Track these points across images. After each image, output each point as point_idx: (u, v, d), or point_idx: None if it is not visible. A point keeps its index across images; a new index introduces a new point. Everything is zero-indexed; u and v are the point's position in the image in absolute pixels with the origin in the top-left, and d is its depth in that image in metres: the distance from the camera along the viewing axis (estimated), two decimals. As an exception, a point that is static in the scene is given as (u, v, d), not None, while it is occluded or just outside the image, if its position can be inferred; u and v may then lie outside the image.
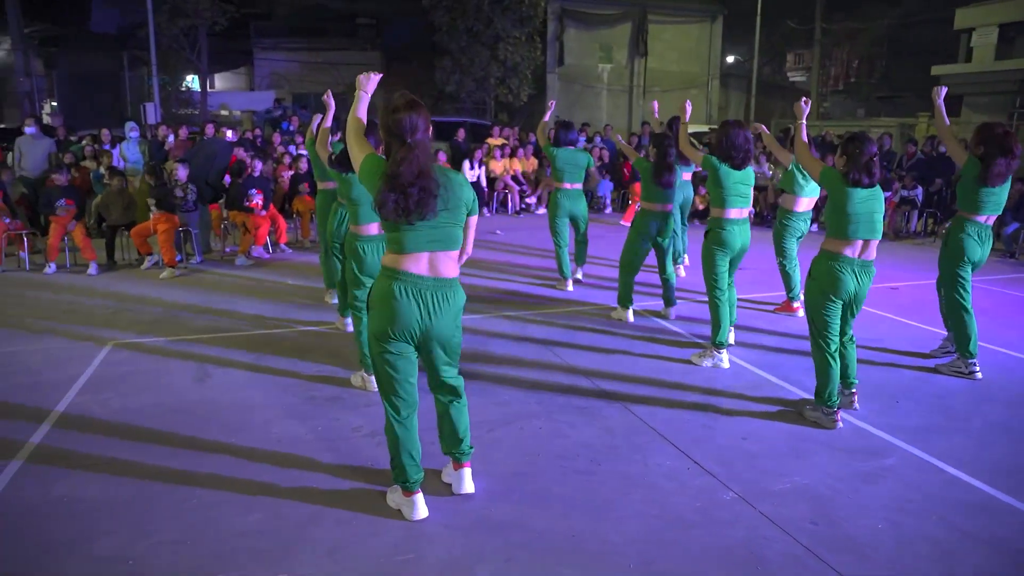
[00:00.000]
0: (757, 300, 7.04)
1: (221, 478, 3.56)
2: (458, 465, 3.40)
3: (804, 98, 4.87)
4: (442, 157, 12.72)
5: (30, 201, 9.68)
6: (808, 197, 6.42)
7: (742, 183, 5.09)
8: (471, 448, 3.40)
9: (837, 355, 4.20)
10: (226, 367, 5.12)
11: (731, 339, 5.49)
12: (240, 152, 9.41)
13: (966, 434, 4.15)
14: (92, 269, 8.08)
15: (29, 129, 10.52)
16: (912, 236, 11.39)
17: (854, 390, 4.41)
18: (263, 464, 3.70)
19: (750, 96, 25.29)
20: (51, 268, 8.10)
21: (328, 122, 5.08)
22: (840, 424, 4.16)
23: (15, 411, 4.37)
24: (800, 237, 6.53)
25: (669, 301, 6.43)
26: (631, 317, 6.28)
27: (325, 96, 5.23)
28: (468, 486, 3.38)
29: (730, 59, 30.28)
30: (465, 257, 3.25)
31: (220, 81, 29.31)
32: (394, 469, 3.21)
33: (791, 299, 6.60)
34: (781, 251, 6.52)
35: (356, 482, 3.53)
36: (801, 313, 6.47)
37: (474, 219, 3.22)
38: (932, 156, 12.04)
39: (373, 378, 4.63)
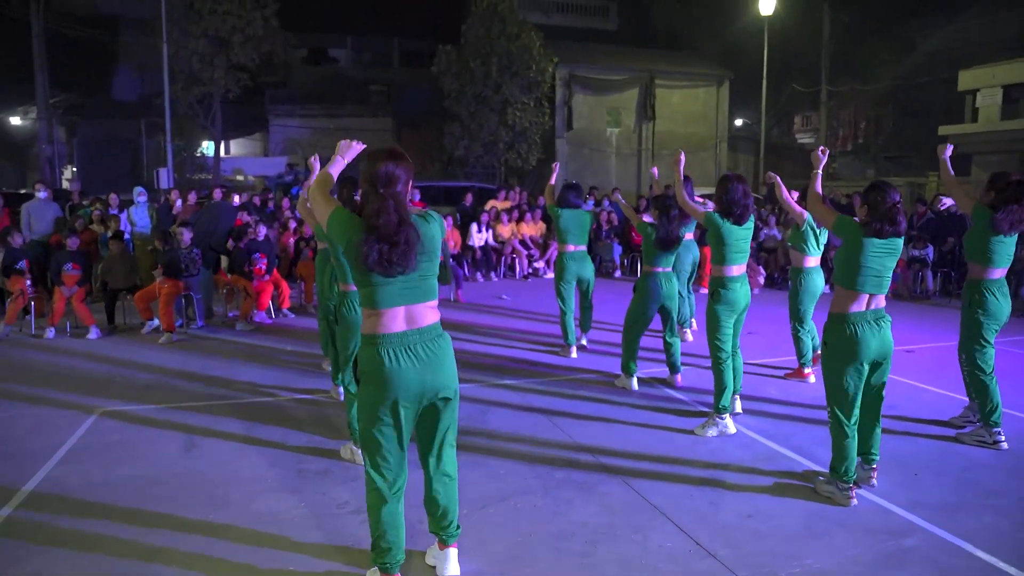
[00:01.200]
0: (768, 365, 6.81)
1: (195, 557, 3.36)
2: (443, 545, 3.18)
3: (822, 147, 4.75)
4: (449, 221, 12.70)
5: (39, 264, 9.67)
6: (815, 256, 6.26)
7: (743, 239, 4.99)
8: (459, 529, 3.19)
9: (856, 427, 3.96)
10: (215, 437, 4.94)
11: (737, 407, 5.27)
12: (244, 216, 9.40)
13: (996, 511, 3.87)
14: (93, 333, 8.00)
15: (41, 194, 10.60)
16: (927, 296, 11.15)
17: (874, 465, 4.15)
18: (241, 543, 3.49)
19: (759, 158, 25.41)
20: (50, 333, 8.03)
21: (311, 181, 4.97)
22: (855, 501, 3.90)
23: (-10, 485, 4.21)
24: (816, 296, 6.31)
25: (674, 367, 6.23)
26: (635, 385, 6.08)
27: (311, 159, 5.09)
28: (453, 568, 3.15)
29: (738, 122, 30.63)
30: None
31: (236, 147, 29.87)
32: (375, 549, 3.00)
33: (803, 365, 6.38)
34: (796, 314, 6.30)
35: (336, 563, 3.31)
36: (813, 379, 6.26)
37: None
38: (943, 215, 11.89)
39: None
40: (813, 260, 6.25)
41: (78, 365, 6.88)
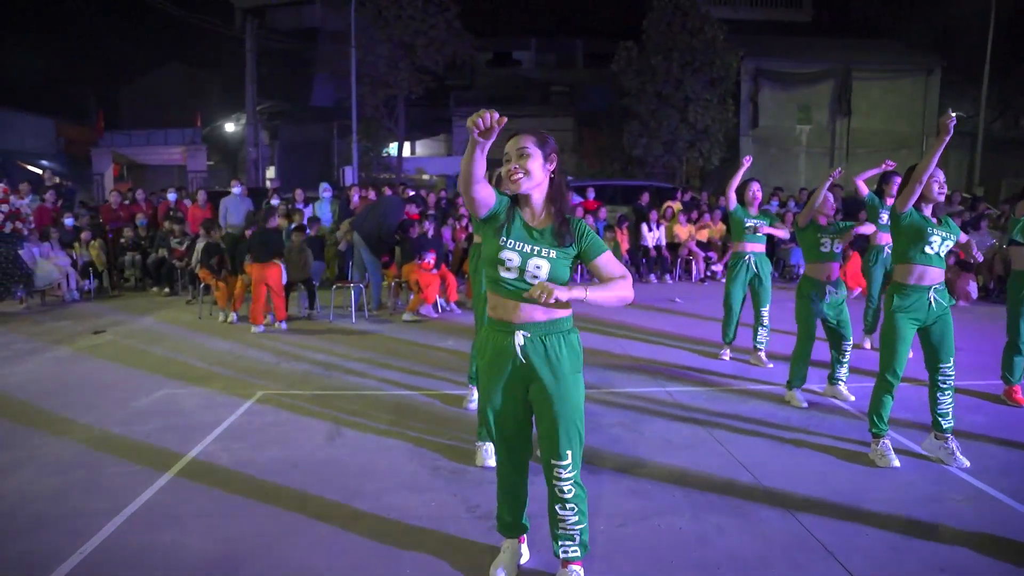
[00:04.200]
0: (979, 391, 5.83)
1: (316, 547, 3.29)
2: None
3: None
4: (624, 224, 12.34)
5: (231, 256, 10.45)
6: None
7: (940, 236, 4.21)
8: None
9: None
10: (359, 428, 4.93)
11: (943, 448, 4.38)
12: (412, 208, 9.58)
13: None
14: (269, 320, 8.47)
15: (236, 189, 11.48)
16: None
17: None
18: (367, 534, 3.40)
19: (975, 155, 22.67)
20: (234, 317, 8.59)
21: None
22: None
23: (155, 450, 4.47)
24: None
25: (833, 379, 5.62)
26: (804, 401, 5.42)
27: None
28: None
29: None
30: None
31: (421, 147, 31.14)
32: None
33: (1012, 386, 5.45)
34: (1015, 323, 5.40)
35: (447, 564, 3.10)
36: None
37: None
38: None
39: (485, 448, 4.29)
40: None
41: (249, 350, 7.26)
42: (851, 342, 5.53)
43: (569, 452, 2.74)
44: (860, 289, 9.09)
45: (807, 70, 23.40)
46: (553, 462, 2.75)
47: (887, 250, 6.94)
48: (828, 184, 5.41)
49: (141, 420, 5.09)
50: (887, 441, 4.30)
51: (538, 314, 2.69)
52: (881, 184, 6.97)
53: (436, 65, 22.14)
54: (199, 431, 4.83)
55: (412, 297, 9.00)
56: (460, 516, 3.60)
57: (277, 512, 3.64)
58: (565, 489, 2.75)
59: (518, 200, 2.74)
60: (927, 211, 4.25)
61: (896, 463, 4.19)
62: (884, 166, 6.39)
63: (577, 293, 2.47)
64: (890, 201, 6.87)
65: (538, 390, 2.75)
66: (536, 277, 2.65)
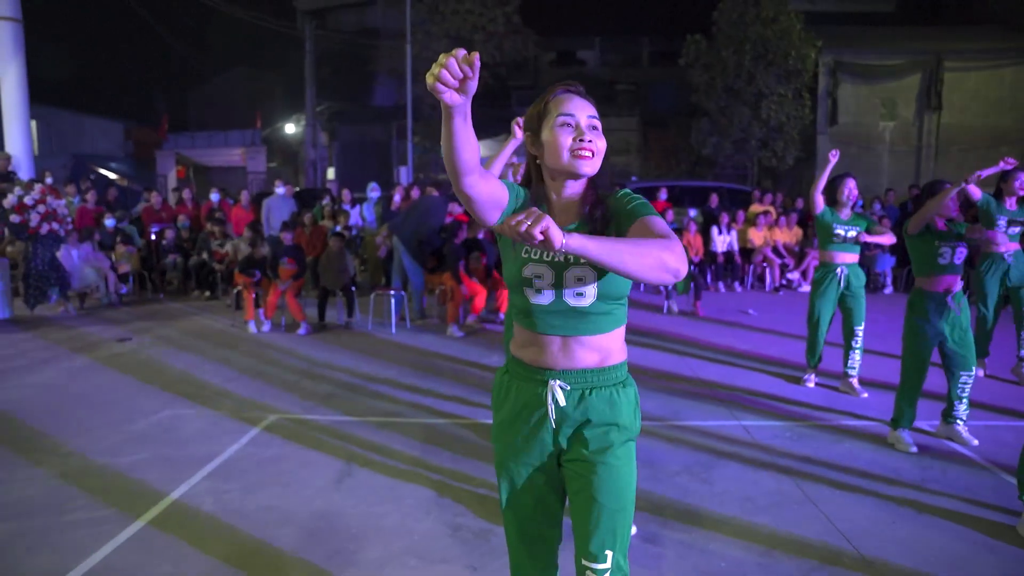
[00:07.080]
0: None
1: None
2: None
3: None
4: (692, 227, 11.26)
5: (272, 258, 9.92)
6: None
7: None
8: None
9: None
10: (375, 467, 4.16)
11: None
12: (455, 207, 8.82)
13: None
14: (302, 330, 7.84)
15: (279, 190, 10.95)
16: None
17: None
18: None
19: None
20: (266, 326, 7.99)
21: (505, 156, 3.86)
22: None
23: (131, 491, 3.81)
24: None
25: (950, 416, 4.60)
26: (913, 445, 4.42)
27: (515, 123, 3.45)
28: None
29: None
30: None
31: (482, 148, 30.49)
32: None
33: None
34: None
35: None
36: None
37: None
38: None
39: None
40: None
41: (273, 365, 6.61)
42: (973, 372, 4.50)
43: (609, 553, 1.87)
44: None
45: (892, 61, 21.75)
46: (585, 563, 1.89)
47: (1008, 259, 5.87)
48: (958, 191, 4.40)
49: (131, 447, 4.45)
50: None
51: (587, 356, 1.87)
52: (1000, 183, 5.90)
53: (493, 59, 21.44)
54: (191, 465, 4.16)
55: (448, 307, 8.15)
56: (476, 604, 2.80)
57: (250, 583, 2.91)
58: None
59: (538, 192, 1.93)
60: None
61: None
62: (1002, 164, 5.30)
63: (590, 245, 1.48)
64: (1009, 202, 5.81)
65: (575, 463, 1.92)
66: (582, 294, 1.81)
